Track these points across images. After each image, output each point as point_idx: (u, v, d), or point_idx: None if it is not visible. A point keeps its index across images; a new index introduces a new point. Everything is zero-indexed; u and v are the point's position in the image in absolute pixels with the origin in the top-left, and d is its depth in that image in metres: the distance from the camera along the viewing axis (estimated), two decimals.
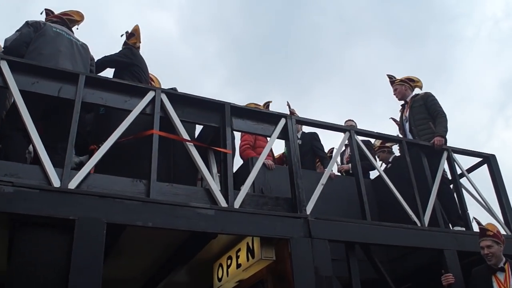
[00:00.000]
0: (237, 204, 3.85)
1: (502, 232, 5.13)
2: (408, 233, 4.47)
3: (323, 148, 6.09)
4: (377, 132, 5.08)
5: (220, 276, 4.45)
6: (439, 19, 33.72)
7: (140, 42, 5.07)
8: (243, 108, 4.37)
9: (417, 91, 5.95)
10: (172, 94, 4.17)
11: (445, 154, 5.26)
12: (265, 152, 4.27)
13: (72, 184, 3.39)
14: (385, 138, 5.40)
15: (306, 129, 6.17)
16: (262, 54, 36.88)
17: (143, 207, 3.47)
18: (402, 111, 5.98)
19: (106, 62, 4.77)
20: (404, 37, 36.04)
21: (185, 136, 3.96)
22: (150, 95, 3.99)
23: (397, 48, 36.35)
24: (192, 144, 3.96)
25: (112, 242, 4.16)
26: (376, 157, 6.67)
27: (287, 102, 6.17)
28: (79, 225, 3.19)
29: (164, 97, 4.03)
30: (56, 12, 4.78)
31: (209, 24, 34.84)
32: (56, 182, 3.34)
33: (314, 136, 5.99)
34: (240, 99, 7.13)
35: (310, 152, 5.91)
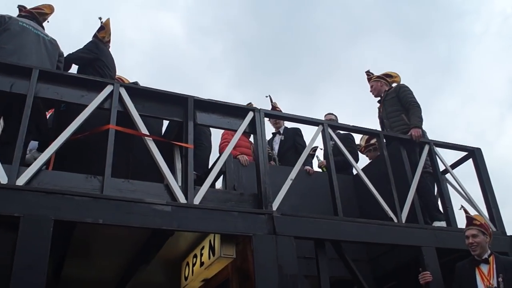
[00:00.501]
0: (197, 200, 3.69)
1: None
2: (383, 229, 4.27)
3: (306, 145, 5.89)
4: (353, 126, 4.88)
5: (186, 275, 4.30)
6: (446, 16, 33.29)
7: (109, 37, 4.94)
8: (208, 101, 4.21)
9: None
10: (132, 88, 4.04)
11: (426, 148, 5.04)
12: (230, 146, 4.12)
13: (21, 181, 3.27)
14: (362, 132, 5.19)
15: (290, 124, 6.01)
16: (269, 53, 36.77)
17: (94, 203, 3.33)
18: (380, 108, 5.77)
19: (71, 60, 4.65)
20: (411, 35, 35.68)
21: (144, 131, 3.82)
22: (108, 89, 3.85)
23: (405, 46, 36.00)
24: (151, 139, 3.83)
25: (74, 241, 4.06)
26: (366, 156, 6.48)
27: (269, 96, 5.98)
28: (25, 222, 3.07)
29: (123, 91, 3.89)
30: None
31: (215, 24, 34.85)
32: (3, 179, 3.22)
33: (297, 132, 5.80)
34: (248, 99, 7.05)
35: (292, 148, 5.72)
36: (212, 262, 3.79)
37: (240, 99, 29.13)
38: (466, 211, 4.29)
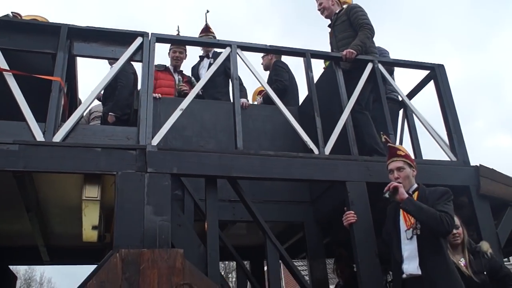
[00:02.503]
0: (58, 137, 3.26)
1: (446, 158, 4.11)
2: (296, 163, 3.59)
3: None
4: (271, 45, 4.13)
5: (83, 224, 3.91)
6: None
7: None
8: (87, 29, 3.66)
9: None
10: None
11: (368, 67, 4.21)
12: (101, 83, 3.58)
13: None
14: (283, 52, 4.37)
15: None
16: None
17: None
18: (330, 34, 4.81)
19: None
20: None
21: (3, 65, 3.40)
22: None
23: None
24: (10, 74, 3.40)
25: None
26: None
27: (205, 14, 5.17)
28: None
29: None
30: None
31: None
32: None
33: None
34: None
35: (223, 73, 4.99)
36: (81, 206, 3.36)
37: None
38: (387, 140, 3.50)
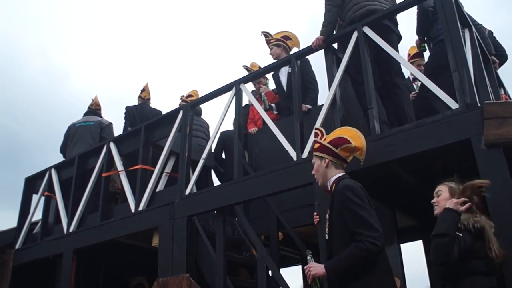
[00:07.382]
0: (141, 207, 5.03)
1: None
2: (275, 177, 3.98)
3: (313, 75, 5.28)
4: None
5: None
6: None
7: (148, 95, 6.84)
8: (154, 121, 5.43)
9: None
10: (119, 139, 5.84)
11: (353, 38, 3.95)
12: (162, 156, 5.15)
13: None
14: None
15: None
16: None
17: None
18: None
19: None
20: None
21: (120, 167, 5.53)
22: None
23: None
24: (123, 172, 5.48)
25: None
26: None
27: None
28: None
29: (112, 146, 5.74)
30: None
31: None
32: None
33: (304, 61, 5.09)
34: None
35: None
36: None
37: None
38: (318, 133, 3.26)
